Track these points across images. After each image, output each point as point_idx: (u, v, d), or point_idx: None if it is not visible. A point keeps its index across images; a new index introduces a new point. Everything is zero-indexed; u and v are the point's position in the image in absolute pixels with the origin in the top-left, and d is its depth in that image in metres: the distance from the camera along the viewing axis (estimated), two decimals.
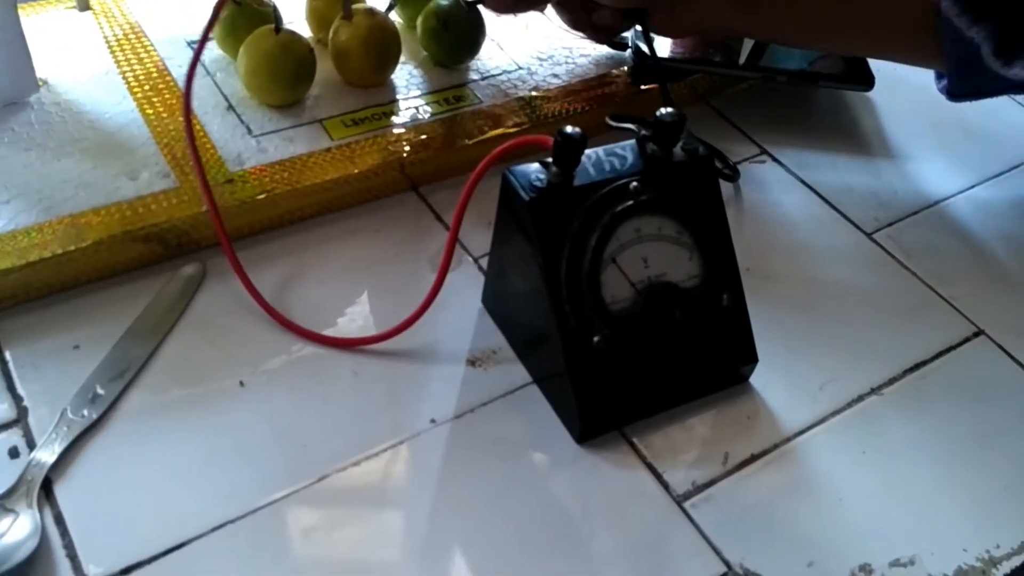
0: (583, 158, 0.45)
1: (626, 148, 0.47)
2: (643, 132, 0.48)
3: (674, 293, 0.46)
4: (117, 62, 0.58)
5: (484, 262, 0.54)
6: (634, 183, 0.45)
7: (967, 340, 0.54)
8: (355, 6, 0.58)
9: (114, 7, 0.62)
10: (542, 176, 0.44)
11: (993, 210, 0.62)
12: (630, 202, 0.45)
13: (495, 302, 0.51)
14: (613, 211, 0.44)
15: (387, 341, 0.47)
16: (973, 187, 0.64)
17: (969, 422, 0.49)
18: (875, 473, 0.46)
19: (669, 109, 0.46)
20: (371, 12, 0.58)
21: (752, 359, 0.49)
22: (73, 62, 0.58)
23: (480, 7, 0.61)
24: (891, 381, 0.51)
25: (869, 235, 0.60)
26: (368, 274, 0.52)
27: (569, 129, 0.43)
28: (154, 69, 0.58)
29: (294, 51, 0.55)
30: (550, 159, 0.45)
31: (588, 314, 0.44)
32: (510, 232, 0.46)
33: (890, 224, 0.60)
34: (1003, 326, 0.55)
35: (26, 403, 0.44)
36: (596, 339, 0.44)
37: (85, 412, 0.43)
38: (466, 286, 0.52)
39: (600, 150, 0.47)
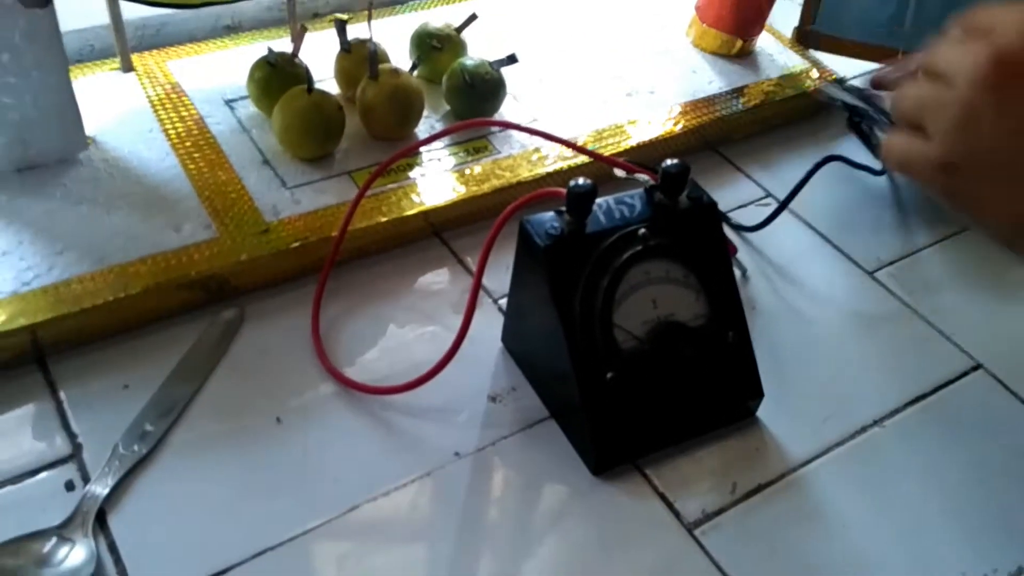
0: (595, 207, 0.49)
1: (635, 197, 0.50)
2: (651, 182, 0.51)
3: (682, 332, 0.49)
4: (160, 120, 0.63)
5: (504, 303, 0.57)
6: (642, 230, 0.48)
7: (966, 374, 0.56)
8: (381, 66, 0.62)
9: (156, 68, 0.67)
10: (556, 224, 0.48)
11: (991, 249, 0.65)
12: (639, 247, 0.48)
13: (514, 341, 0.54)
14: (623, 256, 0.48)
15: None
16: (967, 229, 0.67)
17: (968, 452, 0.52)
18: (877, 501, 0.49)
19: (675, 160, 0.49)
20: (396, 72, 0.62)
21: (758, 394, 0.51)
22: (119, 121, 0.62)
23: (502, 70, 0.65)
24: (892, 413, 0.53)
25: (871, 273, 0.62)
26: (395, 317, 0.56)
27: (580, 181, 0.47)
28: (194, 126, 0.62)
29: (325, 109, 0.59)
30: (564, 208, 0.48)
31: (601, 352, 0.47)
32: (527, 277, 0.50)
33: (891, 263, 0.63)
34: (1001, 360, 0.57)
35: (80, 440, 0.47)
36: (609, 376, 0.47)
37: (135, 447, 0.47)
38: (487, 326, 0.55)
39: (611, 199, 0.50)
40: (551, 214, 0.49)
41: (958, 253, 0.65)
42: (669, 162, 0.49)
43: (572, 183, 0.47)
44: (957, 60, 0.40)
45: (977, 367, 0.57)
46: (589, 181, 0.47)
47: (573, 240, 0.48)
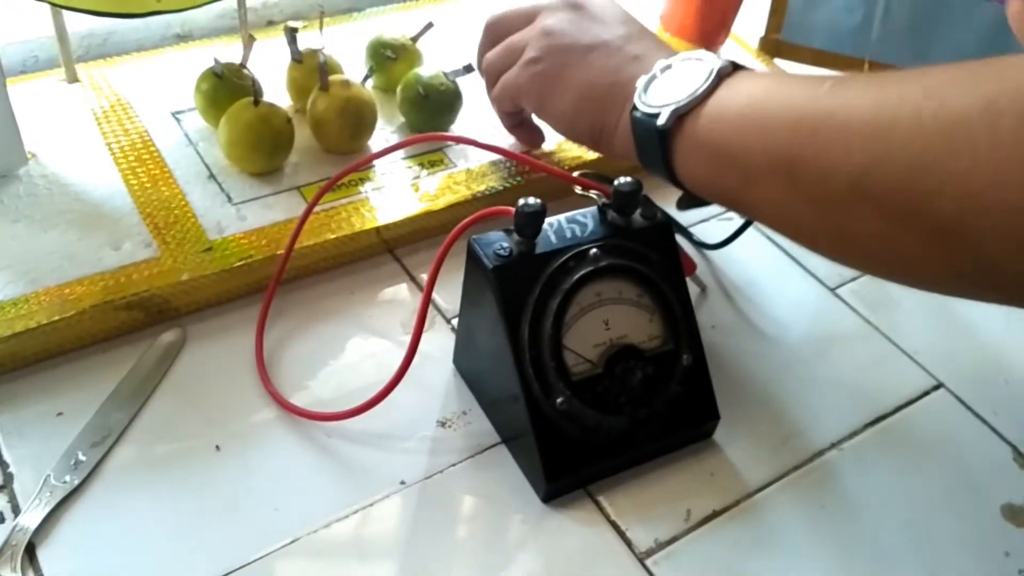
0: (545, 225, 0.47)
1: (587, 215, 0.49)
2: (604, 200, 0.50)
3: (635, 355, 0.47)
4: (104, 133, 0.61)
5: (456, 323, 0.55)
6: (594, 249, 0.47)
7: (927, 393, 0.55)
8: (332, 77, 0.60)
9: (101, 79, 0.65)
10: (505, 244, 0.46)
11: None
12: (590, 268, 0.47)
13: (465, 363, 0.53)
14: (574, 277, 0.46)
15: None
16: None
17: (929, 475, 0.51)
18: (835, 528, 0.48)
19: (628, 178, 0.48)
20: (347, 83, 0.60)
21: (714, 416, 0.50)
22: (61, 134, 0.60)
23: (459, 80, 0.64)
24: (851, 435, 0.52)
25: (832, 290, 0.61)
26: (343, 338, 0.54)
27: (530, 200, 0.45)
28: (139, 140, 0.60)
29: (273, 122, 0.58)
30: (513, 228, 0.47)
31: (551, 378, 0.46)
32: (476, 298, 0.48)
33: (853, 279, 0.62)
34: (962, 379, 0.56)
35: (11, 469, 0.45)
36: (559, 401, 0.46)
37: (68, 478, 0.45)
38: (440, 347, 0.54)
39: (562, 217, 0.49)
40: (500, 234, 0.47)
41: None
42: (621, 180, 0.48)
43: (521, 202, 0.45)
44: (525, 37, 0.58)
45: (938, 386, 0.56)
46: (538, 200, 0.45)
47: (522, 261, 0.46)
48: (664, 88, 0.50)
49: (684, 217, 0.64)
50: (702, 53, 0.50)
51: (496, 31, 0.61)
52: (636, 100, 0.50)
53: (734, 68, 0.49)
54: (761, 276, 0.62)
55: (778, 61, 0.78)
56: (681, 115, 0.48)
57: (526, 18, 0.59)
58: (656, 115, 0.48)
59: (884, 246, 0.41)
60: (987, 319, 0.60)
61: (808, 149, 0.42)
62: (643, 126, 0.49)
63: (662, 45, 0.56)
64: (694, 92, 0.48)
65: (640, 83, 0.51)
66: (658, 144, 0.49)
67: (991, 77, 0.36)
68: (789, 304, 0.60)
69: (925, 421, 0.54)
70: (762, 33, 0.79)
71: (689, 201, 0.53)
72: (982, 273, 0.38)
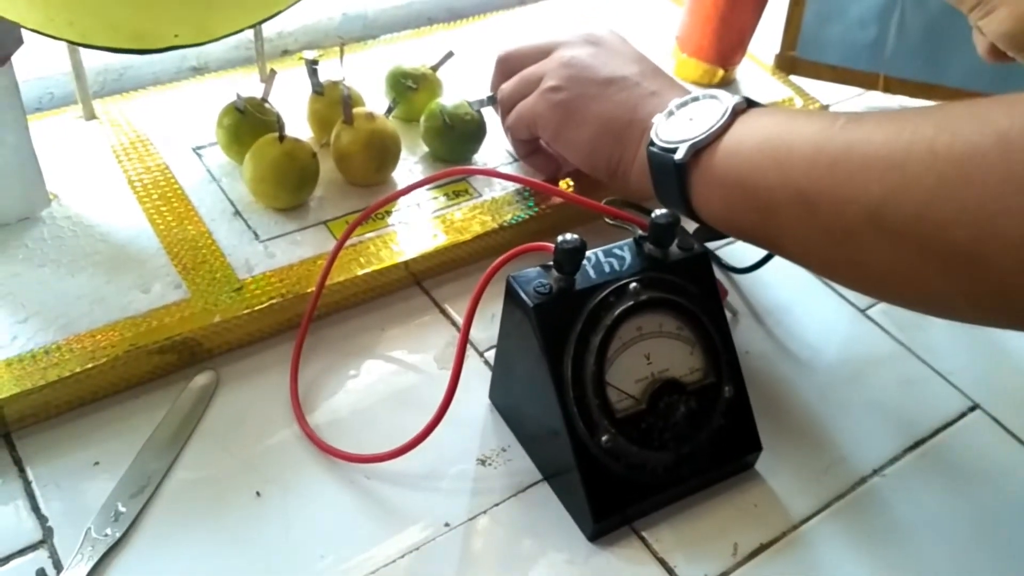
0: (583, 260, 0.47)
1: (624, 248, 0.49)
2: (640, 233, 0.49)
3: (677, 389, 0.47)
4: (125, 171, 0.60)
5: (489, 355, 0.55)
6: (633, 283, 0.47)
7: (963, 415, 0.55)
8: (355, 110, 0.60)
9: (120, 116, 0.64)
10: (545, 281, 0.46)
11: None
12: (631, 302, 0.46)
13: (503, 399, 0.52)
14: (614, 312, 0.46)
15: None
16: None
17: (970, 499, 0.51)
18: (881, 558, 0.47)
19: (664, 210, 0.48)
20: (371, 116, 0.60)
21: (756, 447, 0.50)
22: (82, 173, 0.60)
23: (483, 110, 0.64)
24: (892, 461, 0.52)
25: (863, 311, 0.61)
26: (378, 375, 0.53)
27: (568, 237, 0.45)
28: (161, 178, 0.60)
29: (298, 158, 0.57)
30: (551, 263, 0.46)
31: (595, 415, 0.45)
32: (516, 336, 0.48)
33: None
34: (997, 399, 0.56)
35: (51, 523, 0.45)
36: (604, 439, 0.45)
37: (108, 531, 0.44)
38: (473, 382, 0.53)
39: (600, 251, 0.48)
40: (538, 270, 0.47)
41: None
42: (658, 212, 0.48)
43: (560, 239, 0.45)
44: (542, 70, 0.59)
45: (974, 407, 0.56)
46: (576, 237, 0.45)
47: (562, 297, 0.46)
48: (680, 124, 0.51)
49: (713, 243, 0.64)
50: (717, 92, 0.52)
51: (509, 65, 0.62)
52: (653, 135, 0.52)
53: (749, 105, 0.50)
54: (791, 299, 0.61)
55: (794, 79, 0.78)
56: (698, 150, 0.49)
57: (541, 53, 0.60)
58: (673, 150, 0.50)
59: (901, 275, 0.42)
60: (1019, 337, 0.60)
61: (826, 182, 0.43)
62: (660, 160, 0.51)
63: (676, 83, 0.57)
64: (711, 127, 0.49)
65: (657, 119, 0.52)
66: (675, 178, 0.50)
67: (1002, 112, 0.38)
68: (821, 327, 0.60)
69: (963, 444, 0.54)
70: (777, 50, 0.79)
71: (705, 234, 0.54)
72: (998, 301, 0.39)
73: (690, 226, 0.52)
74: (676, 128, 0.51)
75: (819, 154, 0.44)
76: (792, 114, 0.50)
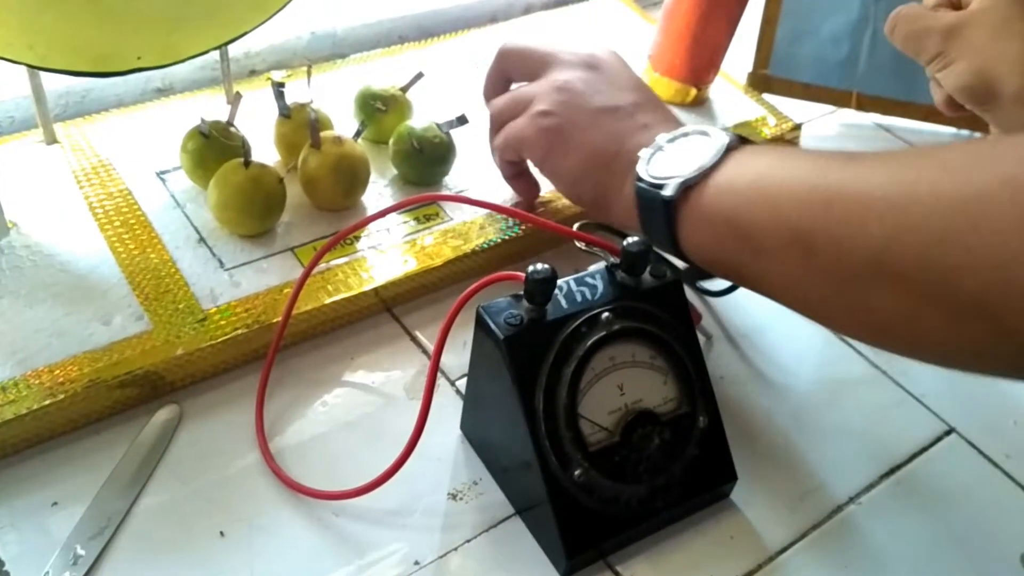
0: (555, 290, 0.46)
1: (596, 276, 0.48)
2: (612, 260, 0.49)
3: (651, 420, 0.46)
4: (86, 197, 0.59)
5: (461, 384, 0.54)
6: (606, 313, 0.46)
7: (939, 439, 0.55)
8: (323, 134, 0.58)
9: (81, 139, 0.63)
10: (515, 312, 0.45)
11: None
12: (603, 332, 0.45)
13: (474, 430, 0.51)
14: (587, 343, 0.45)
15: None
16: None
17: (946, 525, 0.50)
18: None
19: (636, 238, 0.47)
20: (339, 140, 0.59)
21: (731, 477, 0.49)
22: (42, 200, 0.58)
23: (452, 132, 0.63)
24: (868, 488, 0.52)
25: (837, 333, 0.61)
26: (346, 406, 0.52)
27: (539, 267, 0.44)
28: (124, 204, 0.58)
29: (264, 184, 0.56)
30: (522, 293, 0.45)
31: (568, 449, 0.44)
32: (486, 367, 0.47)
33: None
34: (972, 423, 0.56)
35: (7, 567, 0.43)
36: (577, 474, 0.44)
37: (67, 574, 0.43)
38: (445, 412, 0.52)
39: (571, 280, 0.47)
40: (509, 300, 0.46)
41: None
42: (630, 240, 0.47)
43: (531, 269, 0.44)
44: (533, 90, 0.57)
45: (950, 431, 0.55)
46: (548, 267, 0.44)
47: (533, 328, 0.45)
48: (670, 160, 0.50)
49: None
50: (708, 128, 0.51)
51: (508, 62, 0.60)
52: (639, 170, 0.50)
53: (741, 142, 0.49)
54: (766, 321, 0.61)
55: (766, 96, 0.78)
56: (688, 187, 0.48)
57: (540, 62, 0.58)
58: (661, 186, 0.48)
59: (904, 322, 0.40)
60: None
61: (821, 222, 0.42)
62: (648, 196, 0.50)
63: (670, 116, 0.56)
64: (702, 165, 0.48)
65: (644, 153, 0.51)
66: (663, 215, 0.49)
67: (1009, 154, 0.36)
68: (796, 350, 0.59)
69: (939, 469, 0.53)
70: (750, 69, 0.79)
71: (694, 275, 0.53)
72: (1006, 350, 0.37)
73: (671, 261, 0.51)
74: (665, 164, 0.50)
75: (814, 192, 0.42)
76: (786, 152, 0.49)
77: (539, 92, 0.56)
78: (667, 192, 0.48)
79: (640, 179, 0.50)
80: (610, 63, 0.58)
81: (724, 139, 0.49)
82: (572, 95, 0.55)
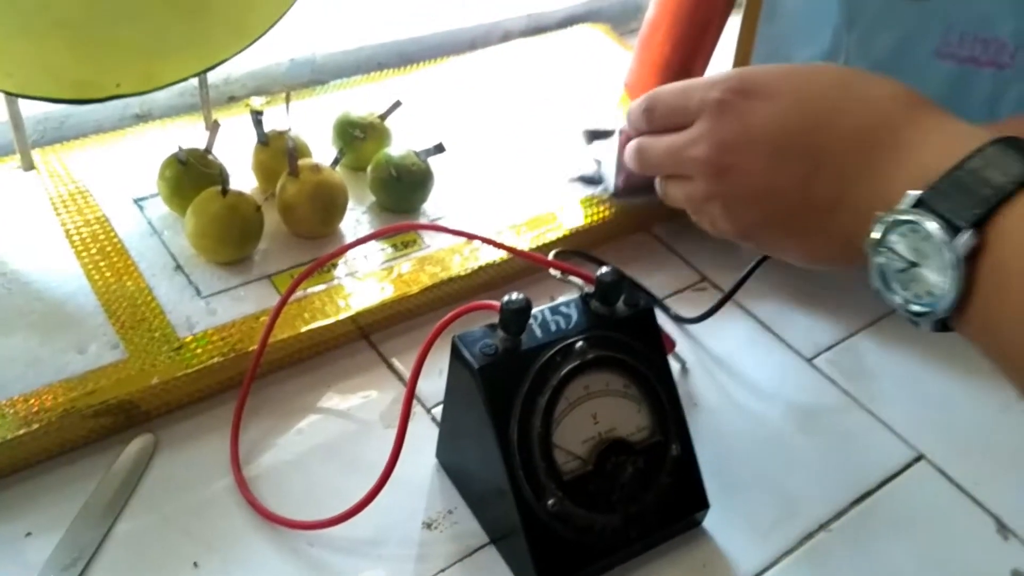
0: (530, 319, 0.47)
1: (571, 305, 0.49)
2: (587, 290, 0.49)
3: (624, 449, 0.46)
4: (63, 224, 0.59)
5: (437, 411, 0.54)
6: (580, 342, 0.46)
7: (908, 466, 0.56)
8: (301, 162, 0.59)
9: (59, 166, 0.63)
10: (490, 342, 0.45)
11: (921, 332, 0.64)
12: (577, 362, 0.46)
13: (449, 459, 0.51)
14: (561, 372, 0.45)
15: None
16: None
17: (916, 552, 0.51)
18: None
19: (608, 268, 0.48)
20: (317, 168, 0.59)
21: (704, 505, 0.50)
22: (19, 226, 0.58)
23: (430, 159, 0.63)
24: (838, 515, 0.52)
25: (809, 360, 0.61)
26: (322, 435, 0.52)
27: (514, 297, 0.44)
28: (100, 231, 0.58)
29: (242, 212, 0.56)
30: (497, 323, 0.46)
31: (542, 478, 0.45)
32: (462, 396, 0.47)
33: (828, 348, 0.62)
34: (941, 449, 0.56)
35: None
36: (551, 503, 0.45)
37: None
38: (421, 440, 0.52)
39: (546, 309, 0.48)
40: (484, 330, 0.46)
41: (891, 335, 0.64)
42: (604, 270, 0.48)
43: (506, 299, 0.44)
44: (688, 162, 0.47)
45: (919, 458, 0.56)
46: (523, 297, 0.44)
47: (508, 358, 0.45)
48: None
49: (661, 291, 0.64)
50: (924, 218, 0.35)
51: (654, 117, 0.50)
52: (888, 298, 0.39)
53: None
54: (740, 349, 0.61)
55: None
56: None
57: (684, 106, 0.48)
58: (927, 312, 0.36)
59: None
60: (961, 387, 0.60)
61: None
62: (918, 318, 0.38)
63: (850, 160, 0.41)
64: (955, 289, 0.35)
65: (875, 278, 0.39)
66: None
67: None
68: (768, 377, 0.60)
69: (909, 495, 0.54)
70: None
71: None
72: None
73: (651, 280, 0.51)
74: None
75: None
76: None
77: (695, 170, 0.47)
78: (942, 310, 0.35)
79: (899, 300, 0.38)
80: (765, 100, 0.43)
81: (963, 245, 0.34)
82: (732, 186, 0.45)
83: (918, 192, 0.35)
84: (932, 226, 0.34)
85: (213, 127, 0.60)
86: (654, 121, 0.50)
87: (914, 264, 0.35)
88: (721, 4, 0.74)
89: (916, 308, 0.36)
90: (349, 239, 0.61)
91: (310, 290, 0.57)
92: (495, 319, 0.46)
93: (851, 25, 0.75)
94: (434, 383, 0.55)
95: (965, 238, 0.33)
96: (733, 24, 0.74)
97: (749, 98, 0.43)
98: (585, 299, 0.49)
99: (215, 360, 0.52)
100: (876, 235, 0.36)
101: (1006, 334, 0.33)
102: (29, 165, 0.62)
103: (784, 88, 0.43)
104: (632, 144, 0.52)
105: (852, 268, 0.41)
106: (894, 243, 0.36)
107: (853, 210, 0.39)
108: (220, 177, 0.56)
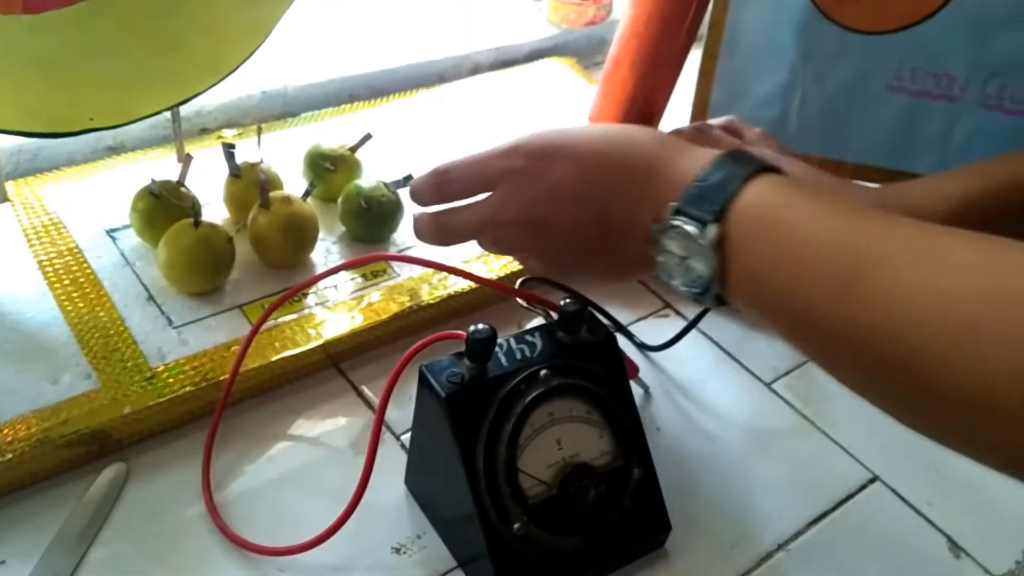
0: (496, 347, 0.48)
1: (535, 334, 0.50)
2: (552, 317, 0.51)
3: (588, 473, 0.48)
4: (36, 255, 0.59)
5: (407, 438, 0.55)
6: (544, 370, 0.48)
7: (863, 487, 0.57)
8: (272, 193, 0.60)
9: (32, 196, 0.64)
10: (457, 370, 0.47)
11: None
12: (541, 389, 0.47)
13: (418, 485, 0.52)
14: (526, 399, 0.47)
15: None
16: None
17: (872, 570, 0.53)
18: None
19: (570, 299, 0.49)
20: (288, 199, 0.60)
21: (666, 527, 0.51)
22: None
23: (399, 191, 0.64)
24: (796, 535, 0.54)
25: (768, 385, 0.63)
26: (293, 462, 0.53)
27: (480, 327, 0.46)
28: (73, 262, 0.59)
29: (214, 244, 0.57)
30: (463, 351, 0.47)
31: (507, 503, 0.46)
32: (429, 424, 0.48)
33: (787, 372, 0.64)
34: (895, 471, 0.58)
35: None
36: (516, 527, 0.46)
37: None
38: (390, 466, 0.53)
39: (512, 338, 0.49)
40: (451, 359, 0.48)
41: None
42: (566, 300, 0.49)
43: (472, 329, 0.46)
44: (501, 225, 0.51)
45: (874, 479, 0.58)
46: (488, 327, 0.46)
47: (474, 386, 0.47)
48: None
49: (625, 318, 0.66)
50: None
51: (449, 188, 0.53)
52: (674, 287, 0.46)
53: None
54: (701, 374, 0.63)
55: None
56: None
57: (480, 176, 0.52)
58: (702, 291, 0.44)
59: None
60: None
61: None
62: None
63: (615, 188, 0.48)
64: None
65: (662, 274, 0.46)
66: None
67: None
68: (729, 401, 0.62)
69: (864, 515, 0.56)
70: None
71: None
72: None
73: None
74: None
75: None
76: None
77: (498, 235, 0.52)
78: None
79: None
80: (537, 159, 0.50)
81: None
82: (532, 238, 0.50)
83: (675, 203, 0.44)
84: (688, 227, 0.44)
85: (186, 160, 0.61)
86: (447, 195, 0.54)
87: (685, 257, 0.45)
88: (682, 40, 0.76)
89: (693, 290, 0.45)
90: (320, 269, 0.62)
91: (281, 319, 0.58)
92: (462, 347, 0.47)
93: (807, 60, 0.78)
94: (403, 410, 0.56)
95: (711, 229, 0.43)
96: (694, 58, 0.77)
97: (546, 159, 0.50)
98: (550, 328, 0.51)
99: (187, 389, 0.52)
100: (655, 241, 0.46)
101: (754, 297, 0.43)
102: (3, 197, 0.63)
103: (572, 146, 0.50)
104: (427, 220, 0.54)
105: (649, 276, 0.49)
106: (668, 245, 0.45)
107: (641, 230, 0.47)
108: (192, 209, 0.58)
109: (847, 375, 0.43)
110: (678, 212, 0.44)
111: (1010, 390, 0.34)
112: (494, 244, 0.53)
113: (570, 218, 0.49)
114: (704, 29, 0.81)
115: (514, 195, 0.50)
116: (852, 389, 0.43)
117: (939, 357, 0.37)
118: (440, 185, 0.53)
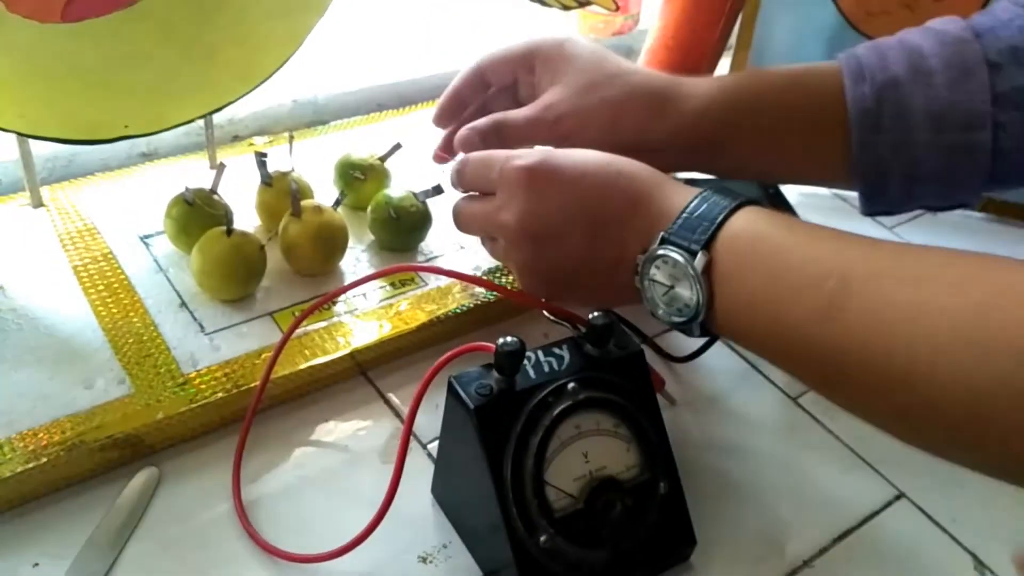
0: (523, 360, 0.48)
1: (563, 347, 0.50)
2: (580, 330, 0.51)
3: (614, 487, 0.48)
4: (71, 260, 0.60)
5: (433, 447, 0.56)
6: (572, 383, 0.48)
7: (889, 504, 0.57)
8: (303, 202, 0.61)
9: (67, 202, 0.65)
10: (485, 382, 0.47)
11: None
12: (569, 402, 0.48)
13: (445, 494, 0.53)
14: (553, 412, 0.47)
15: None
16: None
17: None
18: None
19: (599, 313, 0.50)
20: (319, 208, 0.61)
21: (691, 542, 0.51)
22: (28, 263, 0.60)
23: (428, 200, 0.65)
24: (821, 552, 0.54)
25: (794, 399, 0.63)
26: (321, 469, 0.54)
27: (509, 339, 0.46)
28: (108, 267, 0.60)
29: (246, 251, 0.58)
30: (492, 363, 0.48)
31: (534, 515, 0.46)
32: (457, 435, 0.49)
33: None
34: (921, 488, 0.58)
35: None
36: (543, 539, 0.46)
37: None
38: (416, 475, 0.54)
39: (540, 351, 0.50)
40: (479, 370, 0.48)
41: None
42: (595, 314, 0.50)
43: (500, 341, 0.46)
44: (497, 227, 0.53)
45: (900, 496, 0.58)
46: (516, 339, 0.46)
47: (503, 398, 0.47)
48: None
49: (651, 329, 0.66)
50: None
51: (461, 180, 0.57)
52: (660, 316, 0.50)
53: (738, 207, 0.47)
54: (727, 387, 0.63)
55: None
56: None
57: (485, 180, 0.55)
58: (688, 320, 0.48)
59: None
60: None
61: None
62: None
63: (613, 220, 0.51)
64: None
65: (648, 304, 0.50)
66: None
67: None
68: (755, 415, 0.62)
69: (889, 533, 0.56)
70: None
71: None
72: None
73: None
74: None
75: None
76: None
77: (502, 232, 0.53)
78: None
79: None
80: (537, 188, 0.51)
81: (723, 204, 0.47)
82: (533, 260, 0.53)
83: (663, 232, 0.47)
84: (676, 255, 0.46)
85: (219, 169, 0.62)
86: (463, 184, 0.57)
87: (671, 287, 0.47)
88: (710, 52, 0.77)
89: (679, 319, 0.47)
90: (349, 277, 0.63)
91: (310, 327, 0.59)
92: (490, 359, 0.48)
93: None
94: (430, 418, 0.57)
95: (699, 258, 0.45)
96: (722, 70, 0.77)
97: (546, 177, 0.51)
98: (577, 341, 0.51)
99: (218, 395, 0.53)
100: (643, 271, 0.48)
101: (741, 323, 0.45)
102: (38, 202, 0.64)
103: (571, 170, 0.51)
104: (454, 205, 0.58)
105: (635, 304, 0.52)
106: (654, 274, 0.48)
107: (630, 262, 0.49)
108: (225, 217, 0.58)
109: (837, 394, 0.45)
110: (665, 241, 0.47)
111: (995, 397, 0.36)
112: (493, 248, 0.56)
113: (560, 236, 0.51)
114: (733, 40, 0.81)
115: (511, 202, 0.52)
116: (843, 407, 0.45)
117: (925, 369, 0.39)
118: (458, 172, 0.57)
